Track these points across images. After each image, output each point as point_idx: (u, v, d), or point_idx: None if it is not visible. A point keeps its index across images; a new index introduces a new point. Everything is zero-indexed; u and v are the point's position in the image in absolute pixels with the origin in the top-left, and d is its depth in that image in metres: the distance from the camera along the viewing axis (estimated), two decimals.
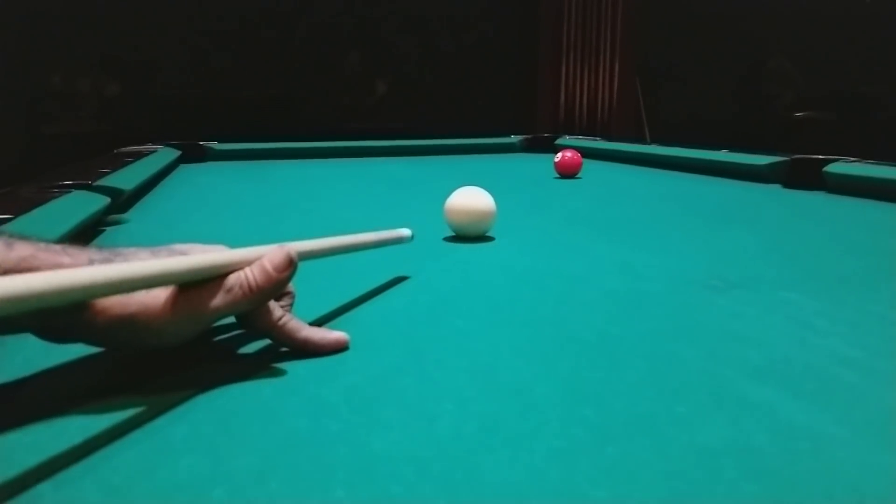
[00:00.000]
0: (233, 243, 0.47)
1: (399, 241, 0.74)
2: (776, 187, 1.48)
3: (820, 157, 1.45)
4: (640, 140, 3.34)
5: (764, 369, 0.45)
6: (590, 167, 1.77)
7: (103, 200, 1.00)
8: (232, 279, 0.42)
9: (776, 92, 3.80)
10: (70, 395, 0.41)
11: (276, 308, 0.46)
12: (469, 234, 0.90)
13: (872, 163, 1.38)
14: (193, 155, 2.18)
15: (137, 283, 0.37)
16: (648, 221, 1.13)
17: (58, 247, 0.41)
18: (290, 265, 0.45)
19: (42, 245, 0.40)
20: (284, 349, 0.47)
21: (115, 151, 1.89)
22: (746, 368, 0.45)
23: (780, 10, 3.65)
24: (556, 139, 2.51)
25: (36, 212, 0.78)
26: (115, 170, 1.31)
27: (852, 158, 1.43)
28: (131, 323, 0.40)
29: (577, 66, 3.90)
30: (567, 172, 1.69)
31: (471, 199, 0.89)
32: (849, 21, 3.46)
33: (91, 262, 0.41)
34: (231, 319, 0.46)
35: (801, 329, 0.54)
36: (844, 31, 3.45)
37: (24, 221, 0.71)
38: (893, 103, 3.35)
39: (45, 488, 0.31)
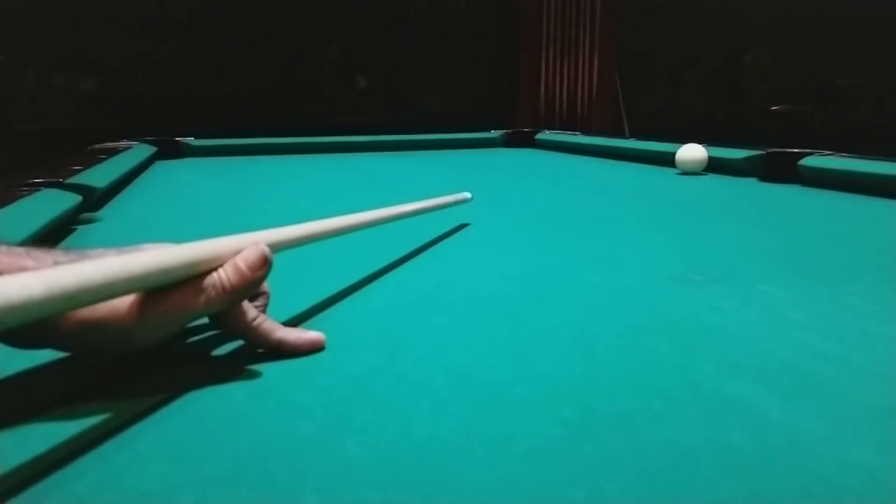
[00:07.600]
0: None
1: (463, 202, 0.98)
2: (752, 181, 1.49)
3: (795, 150, 1.47)
4: (620, 135, 3.35)
5: (741, 364, 0.45)
6: (570, 162, 1.77)
7: (74, 199, 0.98)
8: (205, 279, 0.41)
9: (752, 85, 3.83)
10: (35, 403, 0.40)
11: (250, 309, 0.45)
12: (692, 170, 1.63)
13: (846, 156, 1.40)
14: (170, 151, 2.15)
15: (96, 294, 0.34)
16: (627, 216, 1.13)
17: (21, 249, 0.40)
18: (265, 263, 0.44)
19: (4, 248, 0.39)
20: (259, 350, 0.46)
21: (89, 148, 1.85)
22: (724, 364, 0.45)
23: (756, 3, 3.68)
24: (536, 134, 2.51)
25: (2, 211, 0.76)
26: (87, 167, 1.28)
27: (827, 152, 1.44)
28: (100, 326, 0.39)
29: (558, 61, 3.90)
30: None
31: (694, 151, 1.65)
32: (824, 14, 3.50)
33: (56, 266, 0.39)
34: (204, 320, 0.45)
35: (778, 322, 0.54)
36: (820, 25, 3.49)
37: None
38: (868, 96, 3.40)
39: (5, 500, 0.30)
